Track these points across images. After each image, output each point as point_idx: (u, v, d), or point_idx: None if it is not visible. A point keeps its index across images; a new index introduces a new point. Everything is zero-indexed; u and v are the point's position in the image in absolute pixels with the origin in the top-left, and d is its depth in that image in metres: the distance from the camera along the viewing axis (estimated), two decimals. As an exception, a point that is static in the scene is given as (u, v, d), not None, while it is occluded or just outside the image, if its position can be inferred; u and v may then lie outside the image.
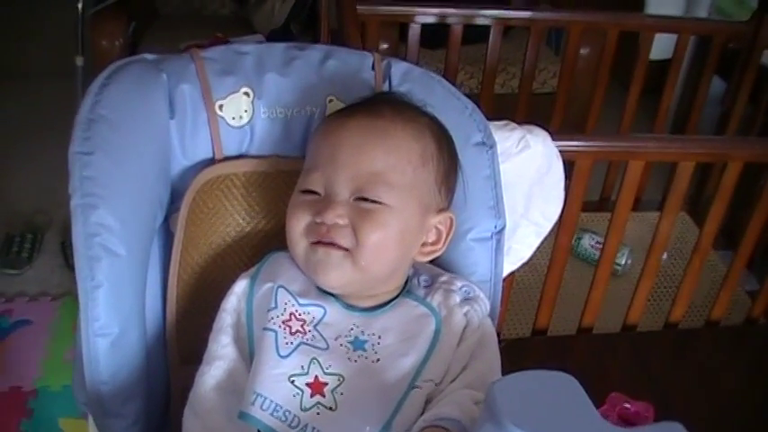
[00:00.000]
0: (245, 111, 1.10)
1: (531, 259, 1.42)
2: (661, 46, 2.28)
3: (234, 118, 1.10)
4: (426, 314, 0.99)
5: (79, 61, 2.57)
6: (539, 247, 1.43)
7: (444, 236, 1.04)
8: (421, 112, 1.04)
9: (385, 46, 2.47)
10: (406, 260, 1.02)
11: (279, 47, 1.14)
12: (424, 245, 1.03)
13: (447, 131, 1.06)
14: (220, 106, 1.09)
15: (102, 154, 0.97)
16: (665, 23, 2.32)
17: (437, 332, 0.98)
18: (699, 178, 2.31)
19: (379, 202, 0.95)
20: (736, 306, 1.94)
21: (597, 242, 2.09)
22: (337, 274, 0.96)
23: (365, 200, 0.95)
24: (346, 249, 0.95)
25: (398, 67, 1.15)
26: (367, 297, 1.00)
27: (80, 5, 2.57)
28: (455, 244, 1.09)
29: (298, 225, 0.98)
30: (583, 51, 2.44)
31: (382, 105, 1.01)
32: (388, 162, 0.96)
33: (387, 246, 0.96)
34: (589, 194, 1.63)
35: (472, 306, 1.01)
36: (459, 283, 1.03)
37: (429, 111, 1.06)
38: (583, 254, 2.14)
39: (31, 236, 2.67)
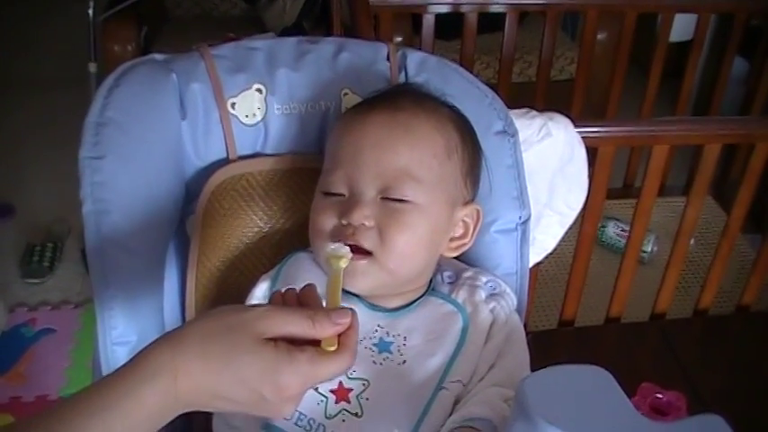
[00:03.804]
0: (258, 108, 1.07)
1: (555, 249, 1.40)
2: (680, 27, 2.23)
3: (247, 116, 1.07)
4: (453, 312, 0.96)
5: (92, 68, 2.57)
6: (563, 237, 1.40)
7: (472, 229, 1.01)
8: (441, 103, 1.01)
9: (399, 39, 2.44)
10: (434, 257, 0.99)
11: (290, 41, 1.11)
12: (451, 239, 1.00)
13: (469, 122, 1.03)
14: (233, 104, 1.06)
15: (112, 158, 0.95)
16: (685, 3, 2.26)
17: (464, 330, 0.95)
18: (723, 161, 2.27)
19: (407, 201, 0.92)
20: (767, 290, 1.90)
21: (622, 230, 2.07)
22: (365, 281, 0.92)
23: (392, 199, 0.92)
24: (369, 253, 0.91)
25: (414, 57, 1.12)
26: (393, 296, 0.97)
27: (91, 11, 2.57)
28: (479, 237, 1.05)
29: (323, 229, 0.94)
30: (600, 36, 2.40)
31: (402, 98, 0.98)
32: (412, 157, 0.93)
33: (415, 247, 0.93)
34: (612, 182, 1.60)
35: (498, 302, 0.98)
36: (484, 279, 1.00)
37: (449, 101, 1.03)
38: (608, 242, 2.11)
39: (52, 245, 2.67)
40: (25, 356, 2.28)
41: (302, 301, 0.77)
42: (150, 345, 0.71)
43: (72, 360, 2.27)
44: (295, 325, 0.72)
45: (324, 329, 0.72)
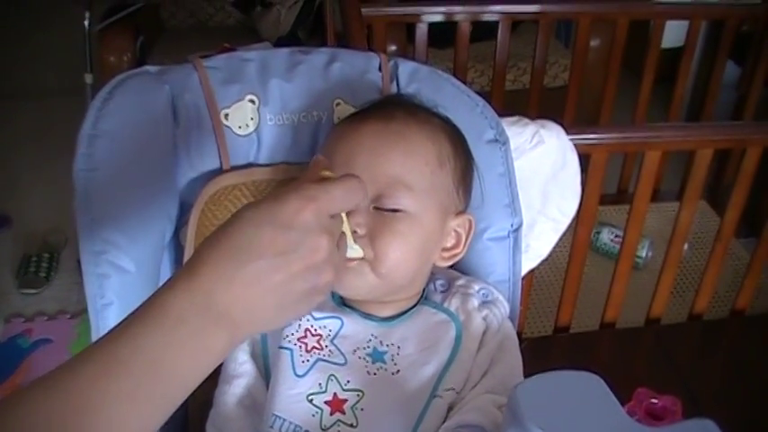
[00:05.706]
0: (251, 119, 1.08)
1: (550, 256, 1.40)
2: (672, 33, 2.25)
3: (240, 126, 1.07)
4: (446, 320, 0.97)
5: (88, 78, 2.58)
6: (557, 244, 1.41)
7: (464, 239, 1.01)
8: (433, 113, 1.02)
9: (393, 48, 2.45)
10: (427, 266, 0.99)
11: (283, 52, 1.12)
12: (443, 249, 1.00)
13: (461, 133, 1.03)
14: (226, 115, 1.06)
15: (106, 170, 0.95)
16: (676, 10, 2.28)
17: (458, 338, 0.95)
18: (716, 165, 2.28)
19: (399, 210, 0.92)
20: (761, 294, 1.90)
21: (616, 236, 2.07)
22: (358, 281, 0.91)
23: (384, 209, 0.92)
24: (362, 259, 0.91)
25: (405, 67, 1.13)
26: (386, 304, 0.97)
27: (86, 22, 2.58)
28: (471, 244, 1.06)
29: None
30: (593, 43, 2.42)
31: (394, 108, 0.98)
32: (405, 165, 0.93)
33: (406, 255, 0.92)
34: (606, 187, 1.60)
35: (491, 310, 0.98)
36: (476, 287, 1.01)
37: (441, 112, 1.03)
38: (602, 248, 2.12)
39: (48, 255, 2.67)
40: (22, 367, 2.27)
41: None
42: None
43: (69, 370, 2.26)
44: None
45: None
